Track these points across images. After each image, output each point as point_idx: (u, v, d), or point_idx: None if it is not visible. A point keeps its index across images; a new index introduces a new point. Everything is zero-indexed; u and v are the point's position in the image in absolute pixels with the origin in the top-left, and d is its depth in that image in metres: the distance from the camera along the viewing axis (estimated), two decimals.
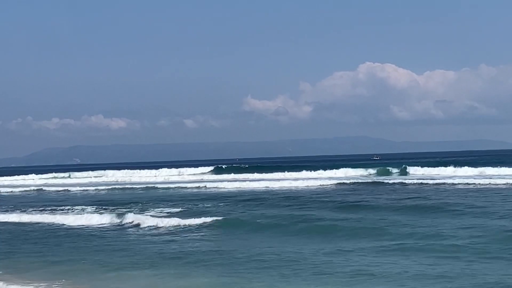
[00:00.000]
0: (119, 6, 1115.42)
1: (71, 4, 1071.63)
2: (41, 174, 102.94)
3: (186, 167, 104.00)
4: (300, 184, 56.84)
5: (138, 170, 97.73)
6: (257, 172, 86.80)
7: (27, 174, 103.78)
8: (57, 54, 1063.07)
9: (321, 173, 77.33)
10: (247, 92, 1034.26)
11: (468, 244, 19.57)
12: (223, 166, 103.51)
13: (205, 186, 58.73)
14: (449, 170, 69.39)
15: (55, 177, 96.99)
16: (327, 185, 55.67)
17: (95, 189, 62.40)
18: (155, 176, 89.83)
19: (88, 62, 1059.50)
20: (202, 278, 16.44)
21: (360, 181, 59.09)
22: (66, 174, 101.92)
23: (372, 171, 75.52)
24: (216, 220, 27.79)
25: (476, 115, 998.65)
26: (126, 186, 65.87)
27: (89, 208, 37.78)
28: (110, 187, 64.97)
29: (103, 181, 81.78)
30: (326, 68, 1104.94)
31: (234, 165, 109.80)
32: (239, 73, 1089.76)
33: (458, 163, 79.46)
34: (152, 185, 64.05)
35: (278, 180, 64.29)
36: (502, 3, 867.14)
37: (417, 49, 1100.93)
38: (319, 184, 56.34)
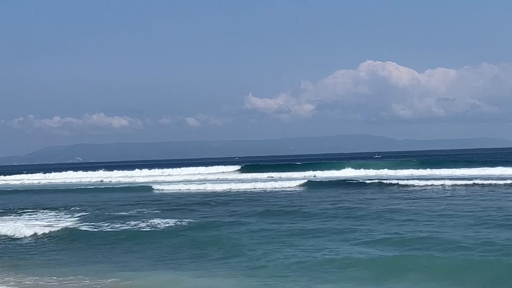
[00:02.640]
0: (120, 5, 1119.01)
1: (72, 3, 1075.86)
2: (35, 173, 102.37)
3: (183, 166, 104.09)
4: (263, 186, 55.43)
5: (120, 170, 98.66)
6: (243, 172, 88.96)
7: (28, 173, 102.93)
8: (59, 53, 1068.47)
9: (292, 174, 76.94)
10: (248, 90, 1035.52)
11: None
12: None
13: (158, 189, 57.35)
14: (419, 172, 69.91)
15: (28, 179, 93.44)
16: (292, 187, 54.55)
17: (54, 190, 61.58)
18: (127, 176, 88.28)
19: (89, 61, 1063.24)
20: None
21: (329, 180, 59.44)
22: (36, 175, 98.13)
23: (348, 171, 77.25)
24: (59, 230, 26.31)
25: (478, 113, 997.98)
26: (98, 187, 64.90)
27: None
28: (73, 188, 63.70)
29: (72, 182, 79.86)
30: (327, 67, 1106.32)
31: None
32: (241, 72, 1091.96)
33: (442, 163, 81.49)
34: (128, 185, 64.15)
35: (251, 181, 61.83)
36: (503, 1, 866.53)
37: (418, 47, 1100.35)
38: (288, 186, 55.23)
